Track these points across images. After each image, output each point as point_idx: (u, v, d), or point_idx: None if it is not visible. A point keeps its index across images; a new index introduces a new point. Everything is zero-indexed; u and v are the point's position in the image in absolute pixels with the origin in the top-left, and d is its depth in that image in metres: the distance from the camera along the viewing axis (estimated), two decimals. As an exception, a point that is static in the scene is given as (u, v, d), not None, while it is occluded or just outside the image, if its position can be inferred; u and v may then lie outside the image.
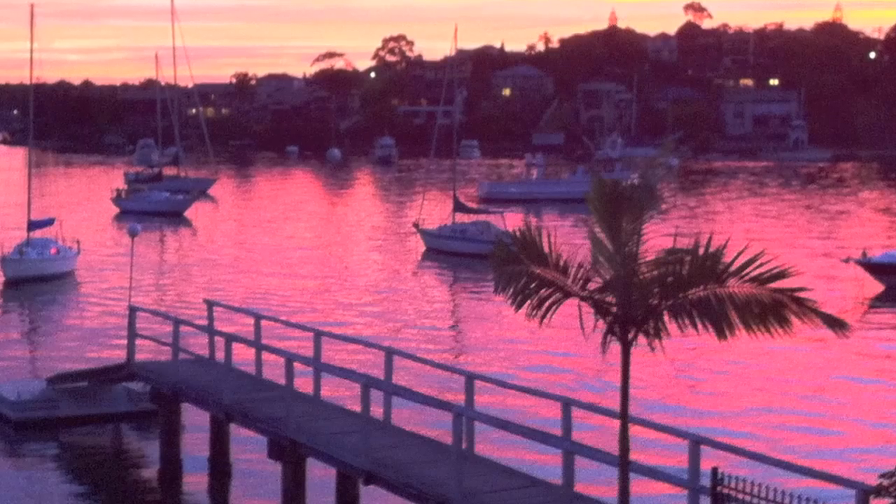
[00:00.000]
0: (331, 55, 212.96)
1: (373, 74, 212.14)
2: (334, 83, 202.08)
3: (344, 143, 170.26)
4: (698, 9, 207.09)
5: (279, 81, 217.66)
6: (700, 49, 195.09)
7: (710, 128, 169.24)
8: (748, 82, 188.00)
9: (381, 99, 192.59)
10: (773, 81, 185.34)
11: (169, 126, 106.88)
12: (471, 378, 19.65)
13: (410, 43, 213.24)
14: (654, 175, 13.74)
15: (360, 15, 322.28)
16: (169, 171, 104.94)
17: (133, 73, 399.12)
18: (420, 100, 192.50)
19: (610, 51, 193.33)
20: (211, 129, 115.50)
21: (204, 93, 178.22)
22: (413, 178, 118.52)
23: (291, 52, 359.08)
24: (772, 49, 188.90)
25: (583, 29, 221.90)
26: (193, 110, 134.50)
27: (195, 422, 25.06)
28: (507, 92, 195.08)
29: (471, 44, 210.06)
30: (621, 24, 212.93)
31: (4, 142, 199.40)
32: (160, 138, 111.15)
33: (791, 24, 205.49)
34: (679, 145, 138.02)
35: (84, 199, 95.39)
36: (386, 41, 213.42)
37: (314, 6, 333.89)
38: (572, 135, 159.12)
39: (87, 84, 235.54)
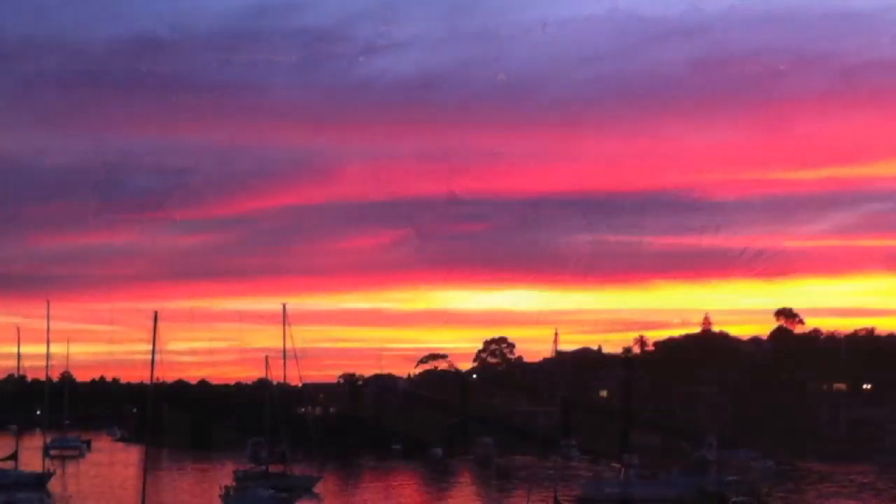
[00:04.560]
0: (434, 356, 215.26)
1: (474, 376, 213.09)
2: (437, 384, 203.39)
3: (445, 442, 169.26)
4: (790, 315, 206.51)
5: (384, 381, 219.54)
6: (793, 353, 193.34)
7: (804, 431, 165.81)
8: (842, 386, 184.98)
9: (481, 399, 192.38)
10: (867, 386, 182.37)
11: (277, 424, 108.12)
12: None
13: (511, 345, 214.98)
14: (752, 477, 13.47)
15: (462, 318, 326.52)
16: (276, 469, 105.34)
17: (246, 373, 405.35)
18: (520, 399, 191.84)
19: (704, 353, 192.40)
20: (318, 428, 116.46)
21: (312, 392, 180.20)
22: (513, 477, 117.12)
23: (395, 354, 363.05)
24: (864, 354, 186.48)
25: (676, 333, 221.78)
26: (302, 409, 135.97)
27: None
28: (604, 393, 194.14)
29: (569, 346, 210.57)
30: (715, 329, 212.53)
31: (123, 439, 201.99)
32: (268, 436, 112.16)
33: (881, 330, 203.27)
34: (774, 448, 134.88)
35: (193, 495, 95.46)
36: (487, 343, 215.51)
37: (417, 309, 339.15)
38: (669, 436, 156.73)
39: (203, 383, 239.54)
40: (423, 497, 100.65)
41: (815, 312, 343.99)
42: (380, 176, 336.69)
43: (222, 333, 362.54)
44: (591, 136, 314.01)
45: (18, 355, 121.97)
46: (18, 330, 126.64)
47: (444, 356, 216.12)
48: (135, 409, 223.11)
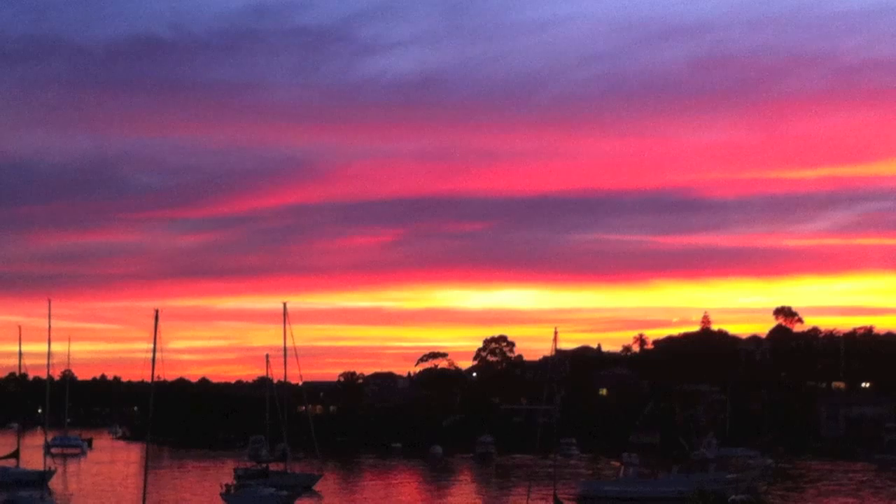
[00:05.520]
0: (434, 355, 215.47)
1: (474, 374, 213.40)
2: (437, 382, 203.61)
3: (445, 440, 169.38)
4: (789, 313, 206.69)
5: (384, 380, 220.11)
6: (792, 352, 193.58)
7: (803, 429, 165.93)
8: (840, 385, 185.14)
9: (481, 397, 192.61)
10: (865, 384, 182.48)
11: (278, 422, 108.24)
12: None
13: (511, 344, 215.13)
14: (751, 475, 13.41)
15: (462, 317, 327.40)
16: (276, 467, 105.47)
17: (246, 372, 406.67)
18: (520, 398, 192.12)
19: (703, 351, 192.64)
20: (318, 426, 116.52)
21: (312, 390, 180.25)
22: (513, 475, 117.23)
23: (395, 353, 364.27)
24: (863, 353, 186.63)
25: (675, 331, 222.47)
26: (302, 407, 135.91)
27: None
28: (603, 392, 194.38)
29: (569, 344, 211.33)
30: (714, 327, 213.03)
31: (124, 437, 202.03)
32: (268, 434, 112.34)
33: (880, 328, 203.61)
34: (773, 446, 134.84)
35: (194, 493, 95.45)
36: (487, 342, 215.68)
37: (417, 308, 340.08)
38: (668, 434, 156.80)
39: (203, 382, 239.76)
40: (423, 495, 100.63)
41: (814, 311, 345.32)
42: (379, 175, 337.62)
43: (223, 332, 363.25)
44: (591, 135, 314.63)
45: (20, 354, 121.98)
46: (20, 329, 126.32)
47: (444, 355, 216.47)
48: (136, 408, 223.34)
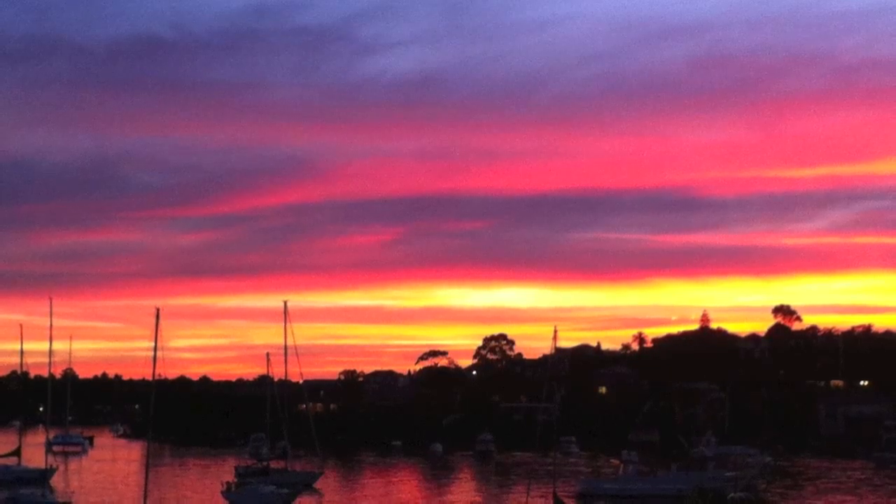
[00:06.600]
0: (434, 353, 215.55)
1: (474, 373, 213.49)
2: (438, 381, 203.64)
3: (445, 438, 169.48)
4: (787, 312, 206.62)
5: (385, 378, 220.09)
6: (791, 350, 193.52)
7: (802, 428, 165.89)
8: (839, 383, 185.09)
9: (481, 396, 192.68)
10: (864, 383, 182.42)
11: (278, 421, 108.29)
12: None
13: (511, 342, 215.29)
14: (750, 473, 13.40)
15: (462, 315, 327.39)
16: (277, 465, 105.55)
17: (247, 370, 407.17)
18: (520, 396, 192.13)
19: (702, 350, 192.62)
20: (319, 424, 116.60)
21: (313, 389, 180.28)
22: (512, 473, 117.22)
23: (395, 351, 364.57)
24: (861, 351, 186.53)
25: (674, 329, 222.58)
26: (303, 406, 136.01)
27: None
28: (603, 390, 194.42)
29: (568, 343, 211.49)
30: (713, 326, 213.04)
31: (125, 435, 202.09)
32: (269, 433, 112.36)
33: (879, 327, 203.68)
34: (772, 444, 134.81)
35: (195, 491, 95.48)
36: (487, 340, 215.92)
37: (417, 306, 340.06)
38: (668, 433, 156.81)
39: (204, 380, 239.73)
40: (423, 493, 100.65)
41: (813, 309, 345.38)
42: (379, 174, 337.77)
43: (224, 330, 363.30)
44: (591, 135, 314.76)
45: (21, 352, 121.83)
46: (21, 327, 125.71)
47: (444, 353, 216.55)
48: (137, 406, 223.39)
